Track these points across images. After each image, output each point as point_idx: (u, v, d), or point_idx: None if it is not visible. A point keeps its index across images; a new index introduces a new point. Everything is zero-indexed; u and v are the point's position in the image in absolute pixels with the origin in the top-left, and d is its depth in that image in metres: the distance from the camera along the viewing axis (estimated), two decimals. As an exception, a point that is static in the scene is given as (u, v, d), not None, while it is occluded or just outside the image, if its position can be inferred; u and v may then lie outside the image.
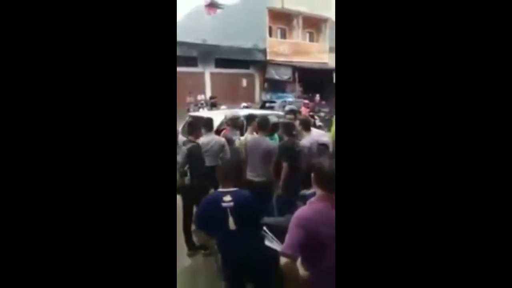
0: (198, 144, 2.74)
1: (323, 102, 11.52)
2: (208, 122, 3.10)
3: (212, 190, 2.54)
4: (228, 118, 3.68)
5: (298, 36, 15.32)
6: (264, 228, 2.05)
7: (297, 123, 3.26)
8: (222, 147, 2.95)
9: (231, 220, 1.64)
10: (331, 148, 3.29)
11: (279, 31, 15.20)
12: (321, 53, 15.93)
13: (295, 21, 15.10)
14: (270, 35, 14.43)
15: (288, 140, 2.92)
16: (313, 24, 16.04)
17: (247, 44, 13.42)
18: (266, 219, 2.11)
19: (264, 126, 2.91)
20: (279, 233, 1.82)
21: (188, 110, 7.78)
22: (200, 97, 11.63)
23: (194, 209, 2.65)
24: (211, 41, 12.72)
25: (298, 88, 13.57)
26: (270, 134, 3.10)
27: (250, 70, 14.54)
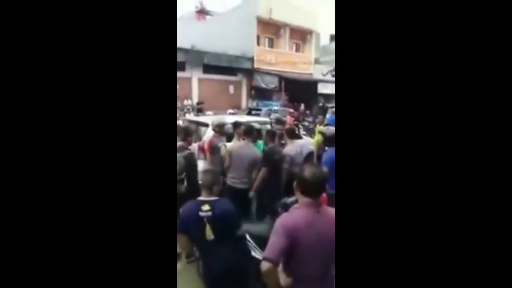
0: (192, 152, 2.70)
1: (307, 112, 11.80)
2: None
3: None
4: (215, 124, 3.70)
5: (285, 46, 15.68)
6: (248, 238, 2.08)
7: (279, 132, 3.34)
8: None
9: (208, 230, 1.62)
10: (314, 156, 3.42)
11: (266, 40, 15.49)
12: (307, 64, 16.35)
13: (282, 31, 15.45)
14: (258, 43, 14.66)
15: (270, 147, 2.97)
16: (299, 35, 16.47)
17: (235, 51, 13.55)
18: (245, 226, 2.16)
19: (249, 132, 2.95)
20: (260, 242, 1.85)
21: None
22: (186, 102, 11.55)
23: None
24: (200, 47, 12.74)
25: (284, 97, 13.81)
26: (254, 141, 3.15)
27: (238, 77, 14.64)
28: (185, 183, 2.56)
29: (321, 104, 12.39)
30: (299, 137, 4.42)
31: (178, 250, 2.65)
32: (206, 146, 3.52)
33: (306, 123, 8.78)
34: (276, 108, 10.86)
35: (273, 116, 3.82)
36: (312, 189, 1.27)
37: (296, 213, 1.28)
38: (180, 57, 11.83)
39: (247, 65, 14.04)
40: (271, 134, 3.06)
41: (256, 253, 2.00)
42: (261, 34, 14.80)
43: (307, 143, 3.72)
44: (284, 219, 1.25)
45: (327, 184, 1.43)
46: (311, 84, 14.58)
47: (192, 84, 13.01)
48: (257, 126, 3.55)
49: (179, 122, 7.60)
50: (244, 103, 14.56)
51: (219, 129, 3.58)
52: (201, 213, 1.63)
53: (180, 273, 2.56)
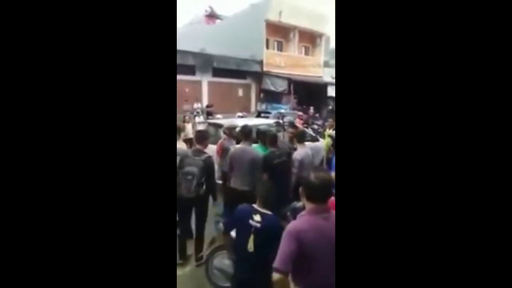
0: (210, 155, 2.73)
1: (317, 115, 11.72)
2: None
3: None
4: (225, 127, 3.74)
5: (294, 50, 15.67)
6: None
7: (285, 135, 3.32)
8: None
9: (251, 241, 1.62)
10: (324, 159, 3.39)
11: (276, 43, 15.52)
12: (316, 67, 16.27)
13: (291, 35, 15.46)
14: (267, 47, 14.71)
15: (272, 151, 2.94)
16: (308, 38, 16.43)
17: (245, 54, 13.64)
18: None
19: (247, 135, 2.93)
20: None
21: (184, 118, 7.82)
22: (196, 105, 11.67)
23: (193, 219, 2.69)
24: (209, 50, 12.89)
25: (293, 100, 13.78)
26: (264, 145, 3.14)
27: (247, 80, 14.71)
28: (204, 186, 2.60)
29: (330, 107, 12.29)
30: (316, 139, 4.39)
31: (189, 252, 2.71)
32: (217, 149, 3.57)
33: (316, 126, 8.72)
34: (283, 111, 10.85)
35: (286, 119, 3.82)
36: (318, 194, 1.24)
37: (303, 220, 1.25)
38: (190, 61, 12.02)
39: (256, 68, 14.10)
40: (272, 138, 3.05)
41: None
42: (270, 37, 14.85)
43: (317, 146, 3.72)
44: (291, 228, 1.23)
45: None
46: (321, 87, 14.50)
47: (202, 87, 13.17)
48: (263, 128, 3.56)
49: (199, 126, 7.71)
50: (253, 106, 14.60)
51: (229, 132, 3.63)
52: (251, 222, 1.65)
53: (189, 276, 2.58)
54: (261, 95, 14.70)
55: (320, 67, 16.49)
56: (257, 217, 1.65)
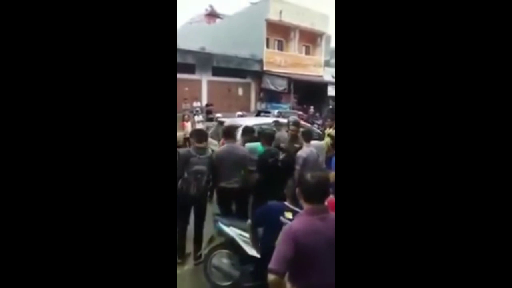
0: (211, 153, 2.81)
1: (317, 114, 11.72)
2: (230, 131, 3.04)
3: None
4: (225, 126, 3.76)
5: (295, 49, 15.65)
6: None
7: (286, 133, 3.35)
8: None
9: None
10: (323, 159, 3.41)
11: (276, 42, 15.50)
12: (316, 67, 16.25)
13: (292, 34, 15.44)
14: (268, 46, 14.69)
15: (267, 149, 2.97)
16: (309, 37, 16.41)
17: (245, 53, 13.62)
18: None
19: (230, 134, 2.95)
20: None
21: (184, 117, 7.82)
22: (196, 104, 11.67)
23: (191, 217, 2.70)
24: (209, 49, 12.88)
25: (293, 99, 13.78)
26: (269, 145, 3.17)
27: (247, 80, 14.70)
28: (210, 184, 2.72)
29: (331, 107, 12.29)
30: (322, 138, 4.41)
31: (187, 251, 2.72)
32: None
33: (316, 126, 8.72)
34: (282, 110, 10.84)
35: (291, 118, 3.86)
36: (314, 194, 1.23)
37: (300, 221, 1.25)
38: (189, 60, 12.01)
39: (256, 67, 14.09)
40: (267, 137, 3.07)
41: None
42: (270, 37, 14.83)
43: (320, 145, 3.74)
44: (288, 229, 1.23)
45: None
46: (321, 87, 14.49)
47: (201, 86, 13.16)
48: (262, 128, 3.58)
49: (198, 124, 7.68)
50: (253, 106, 14.60)
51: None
52: (282, 219, 1.64)
53: (188, 275, 2.58)
54: (261, 94, 14.69)
55: (321, 67, 16.47)
56: (289, 215, 1.65)
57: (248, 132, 3.43)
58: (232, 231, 2.18)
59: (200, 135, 2.80)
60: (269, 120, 5.09)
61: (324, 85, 14.44)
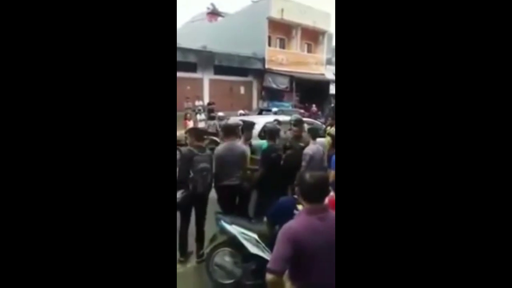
0: (211, 151, 2.87)
1: (319, 113, 11.69)
2: (229, 129, 3.04)
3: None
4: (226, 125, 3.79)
5: (297, 47, 15.59)
6: (258, 239, 2.10)
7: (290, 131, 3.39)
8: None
9: None
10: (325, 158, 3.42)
11: (278, 41, 15.44)
12: (318, 65, 16.19)
13: (294, 32, 15.37)
14: (269, 44, 14.64)
15: (270, 144, 3.04)
16: (311, 36, 16.33)
17: (247, 52, 13.59)
18: (256, 227, 2.17)
19: (229, 132, 2.98)
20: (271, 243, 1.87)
21: (186, 115, 7.83)
22: (198, 102, 11.68)
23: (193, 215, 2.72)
24: (211, 48, 12.86)
25: (295, 97, 13.74)
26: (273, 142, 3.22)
27: (248, 78, 14.68)
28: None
29: (332, 105, 12.24)
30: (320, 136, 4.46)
31: (190, 250, 2.74)
32: None
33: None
34: (287, 108, 10.82)
35: (294, 117, 3.90)
36: (313, 194, 1.23)
37: (299, 221, 1.24)
38: (191, 58, 12.00)
39: (258, 65, 14.07)
40: (270, 133, 3.15)
41: (265, 254, 2.01)
42: (272, 35, 14.77)
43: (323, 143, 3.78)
44: (286, 228, 1.22)
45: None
46: (323, 85, 14.45)
47: (203, 84, 13.16)
48: (267, 125, 3.63)
49: (200, 123, 7.70)
50: (255, 104, 14.58)
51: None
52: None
53: (190, 273, 2.60)
54: (263, 92, 14.66)
55: (323, 65, 16.40)
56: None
57: (248, 128, 3.46)
58: (234, 229, 2.19)
59: (198, 134, 2.83)
60: (270, 118, 5.12)
61: (326, 83, 14.40)
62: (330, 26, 16.32)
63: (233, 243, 2.22)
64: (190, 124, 7.35)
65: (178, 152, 3.53)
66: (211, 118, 8.22)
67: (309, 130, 3.45)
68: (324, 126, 5.70)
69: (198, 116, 8.47)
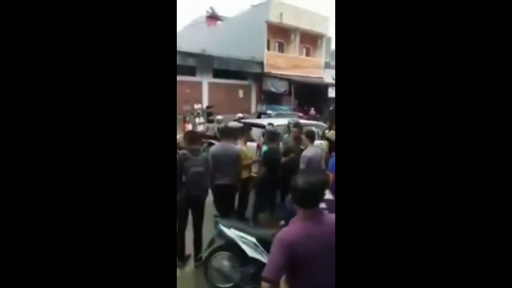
0: (206, 154, 2.93)
1: (318, 116, 11.72)
2: (227, 130, 3.24)
3: None
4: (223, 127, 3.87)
5: (295, 51, 15.68)
6: (256, 243, 2.09)
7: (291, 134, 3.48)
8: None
9: None
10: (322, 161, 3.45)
11: (277, 44, 15.54)
12: (317, 68, 16.29)
13: (292, 36, 15.48)
14: (268, 48, 14.73)
15: (270, 147, 3.15)
16: (309, 39, 16.44)
17: (245, 56, 13.66)
18: (253, 231, 2.18)
19: (226, 134, 3.14)
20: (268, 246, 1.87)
21: (185, 118, 7.84)
22: (197, 106, 11.70)
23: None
24: (210, 51, 12.92)
25: (293, 101, 13.79)
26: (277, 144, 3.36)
27: (247, 82, 14.73)
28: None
29: (331, 108, 12.27)
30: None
31: (187, 253, 2.73)
32: None
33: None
34: (285, 112, 10.85)
35: (292, 120, 3.96)
36: (306, 200, 1.21)
37: (293, 227, 1.23)
38: (190, 62, 12.05)
39: (257, 69, 14.13)
40: (272, 136, 3.25)
41: (264, 258, 2.01)
42: (271, 39, 14.87)
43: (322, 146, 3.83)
44: (282, 237, 1.20)
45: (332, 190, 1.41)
46: (322, 88, 14.52)
47: (202, 88, 13.19)
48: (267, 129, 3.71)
49: (199, 126, 7.73)
50: (253, 107, 14.62)
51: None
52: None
53: (188, 277, 2.58)
54: (262, 96, 14.71)
55: (321, 68, 16.50)
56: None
57: (248, 130, 3.62)
58: (233, 233, 2.19)
59: (192, 137, 2.85)
60: (265, 122, 5.16)
61: (324, 87, 14.47)
62: (328, 30, 16.45)
63: (232, 246, 2.21)
64: (189, 127, 7.36)
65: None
66: (209, 121, 8.23)
67: (307, 133, 3.48)
68: (326, 127, 5.73)
69: (197, 120, 8.49)
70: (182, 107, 10.88)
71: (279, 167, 3.22)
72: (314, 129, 4.13)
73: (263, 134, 3.44)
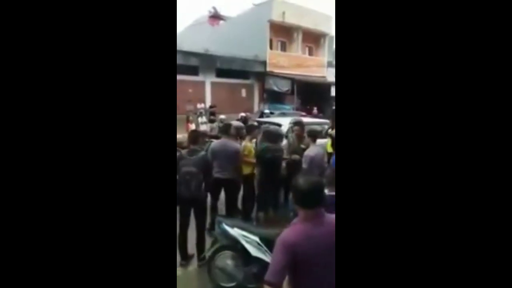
0: (205, 153, 2.98)
1: (320, 115, 11.68)
2: (226, 127, 3.46)
3: None
4: (233, 127, 3.95)
5: (298, 50, 15.63)
6: (259, 242, 2.09)
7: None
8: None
9: None
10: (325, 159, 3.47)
11: (279, 43, 15.50)
12: (320, 67, 16.21)
13: (295, 35, 15.43)
14: (271, 47, 14.69)
15: (266, 146, 3.24)
16: (312, 38, 16.38)
17: (248, 55, 13.65)
18: (256, 230, 2.18)
19: (226, 130, 3.38)
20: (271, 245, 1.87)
21: (188, 118, 7.87)
22: (200, 105, 11.71)
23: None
24: (212, 51, 12.93)
25: (296, 100, 13.75)
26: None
27: (250, 81, 14.72)
28: (203, 185, 2.84)
29: (334, 107, 12.22)
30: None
31: (191, 252, 2.73)
32: None
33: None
34: (288, 111, 10.83)
35: (293, 119, 4.02)
36: (307, 200, 1.20)
37: (295, 229, 1.22)
38: (193, 62, 12.07)
39: (259, 68, 14.11)
40: (267, 134, 3.36)
41: (267, 257, 2.00)
42: (273, 38, 14.83)
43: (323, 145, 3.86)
44: (284, 239, 1.20)
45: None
46: (324, 87, 14.46)
47: (205, 87, 13.21)
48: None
49: (202, 126, 7.79)
50: (256, 107, 14.60)
51: (237, 131, 3.83)
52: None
53: (191, 277, 2.59)
54: (264, 95, 14.69)
55: (324, 67, 16.43)
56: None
57: (253, 129, 3.83)
58: (236, 232, 2.19)
59: (196, 137, 2.88)
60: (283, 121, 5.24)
61: (327, 86, 14.40)
62: (331, 29, 16.35)
63: (235, 246, 2.21)
64: (192, 127, 7.38)
65: None
66: (212, 121, 8.24)
67: (309, 132, 3.47)
68: (331, 125, 5.73)
69: (200, 119, 8.50)
70: (185, 106, 10.89)
71: (278, 167, 3.28)
72: (318, 127, 4.15)
73: (263, 133, 3.49)
